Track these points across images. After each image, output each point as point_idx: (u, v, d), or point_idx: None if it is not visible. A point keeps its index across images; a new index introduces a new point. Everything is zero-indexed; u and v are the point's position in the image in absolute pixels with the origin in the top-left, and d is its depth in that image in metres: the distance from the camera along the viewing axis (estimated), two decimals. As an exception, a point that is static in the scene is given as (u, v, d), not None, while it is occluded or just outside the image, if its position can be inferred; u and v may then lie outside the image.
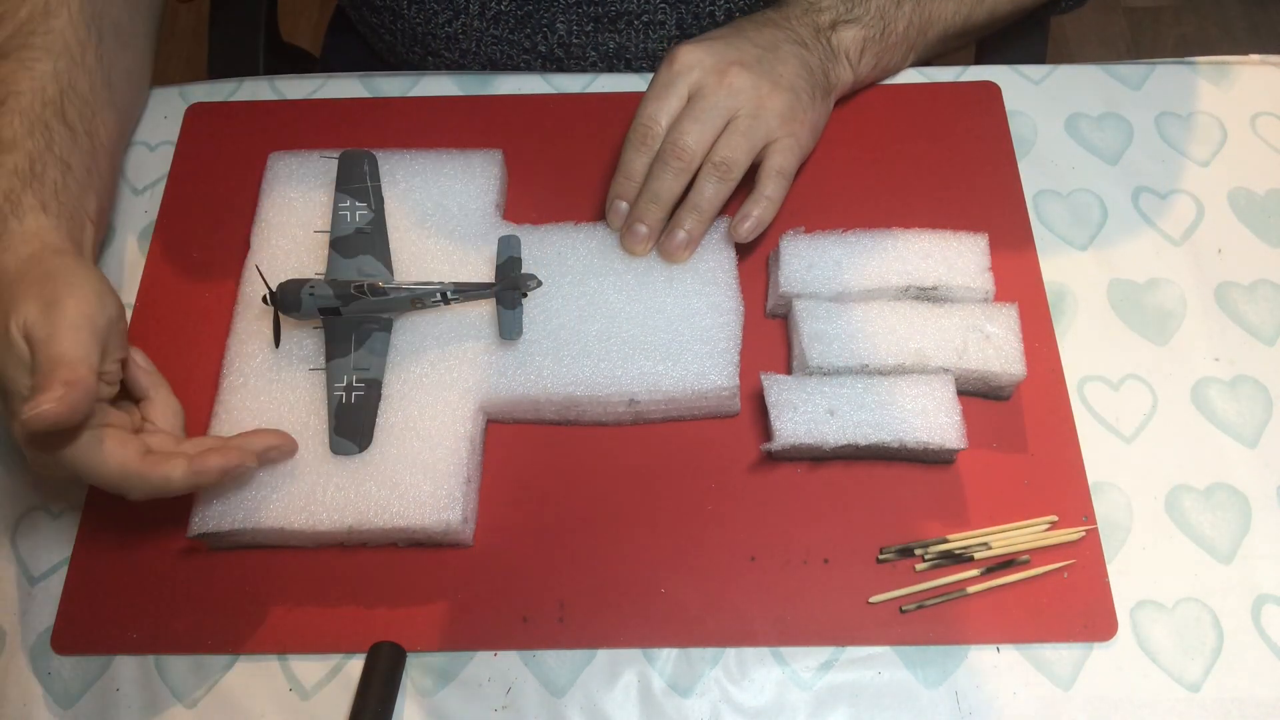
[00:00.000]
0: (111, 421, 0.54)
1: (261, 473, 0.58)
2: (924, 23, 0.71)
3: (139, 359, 0.58)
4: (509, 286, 0.62)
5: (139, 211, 0.72)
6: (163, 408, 0.58)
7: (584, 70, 0.80)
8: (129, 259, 0.70)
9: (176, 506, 0.60)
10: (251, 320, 0.64)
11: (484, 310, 0.63)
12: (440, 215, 0.67)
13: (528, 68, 0.81)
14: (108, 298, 0.54)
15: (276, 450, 0.58)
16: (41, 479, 0.61)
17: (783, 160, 0.64)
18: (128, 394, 0.58)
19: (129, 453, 0.52)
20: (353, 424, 0.59)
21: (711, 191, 0.63)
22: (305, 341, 0.63)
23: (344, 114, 0.75)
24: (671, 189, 0.63)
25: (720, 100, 0.62)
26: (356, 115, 0.75)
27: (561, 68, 0.80)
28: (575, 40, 0.78)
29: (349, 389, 0.60)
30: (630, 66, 0.80)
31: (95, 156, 0.63)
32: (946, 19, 0.71)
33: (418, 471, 0.58)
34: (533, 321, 0.63)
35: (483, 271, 0.65)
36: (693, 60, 0.63)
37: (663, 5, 0.77)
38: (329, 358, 0.61)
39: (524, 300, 0.63)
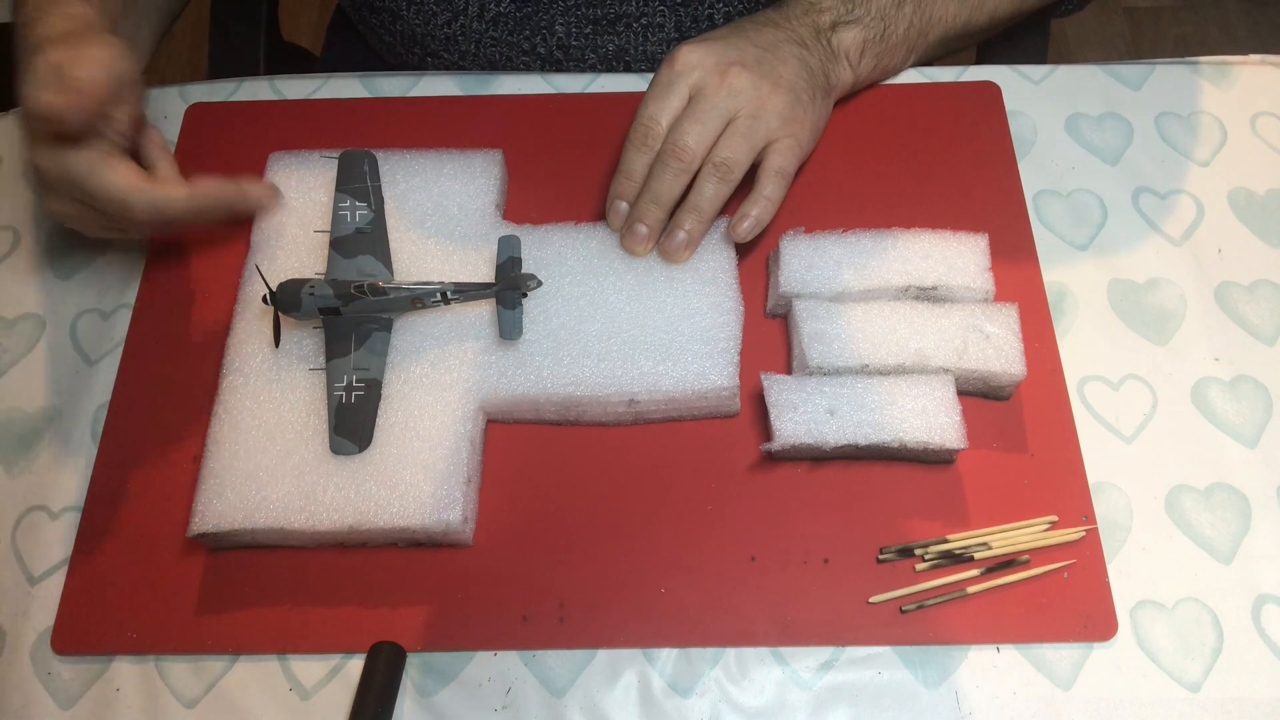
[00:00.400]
0: (119, 155, 0.59)
1: (261, 473, 0.58)
2: (924, 25, 0.71)
3: (156, 136, 0.64)
4: (509, 286, 0.62)
5: (139, 211, 0.72)
6: (166, 175, 0.62)
7: (583, 73, 0.80)
8: (129, 259, 0.70)
9: (177, 507, 0.60)
10: (251, 320, 0.64)
11: (484, 310, 0.63)
12: (440, 215, 0.67)
13: (527, 69, 0.81)
14: (129, 60, 0.59)
15: (268, 198, 0.65)
16: (54, 213, 0.62)
17: (782, 161, 0.64)
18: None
19: (132, 174, 0.59)
20: (353, 424, 0.59)
21: (712, 192, 0.63)
22: (305, 341, 0.63)
23: (344, 114, 0.75)
24: (672, 189, 0.63)
25: (721, 101, 0.62)
26: (356, 115, 0.75)
27: (560, 70, 0.80)
28: (574, 43, 0.78)
29: (349, 389, 0.60)
30: (629, 69, 0.80)
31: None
32: (947, 21, 0.71)
33: (418, 471, 0.58)
34: (533, 321, 0.63)
35: (483, 271, 0.65)
36: (693, 60, 0.63)
37: (661, 8, 0.77)
38: (329, 358, 0.61)
39: (524, 300, 0.63)
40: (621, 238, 0.65)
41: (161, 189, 0.60)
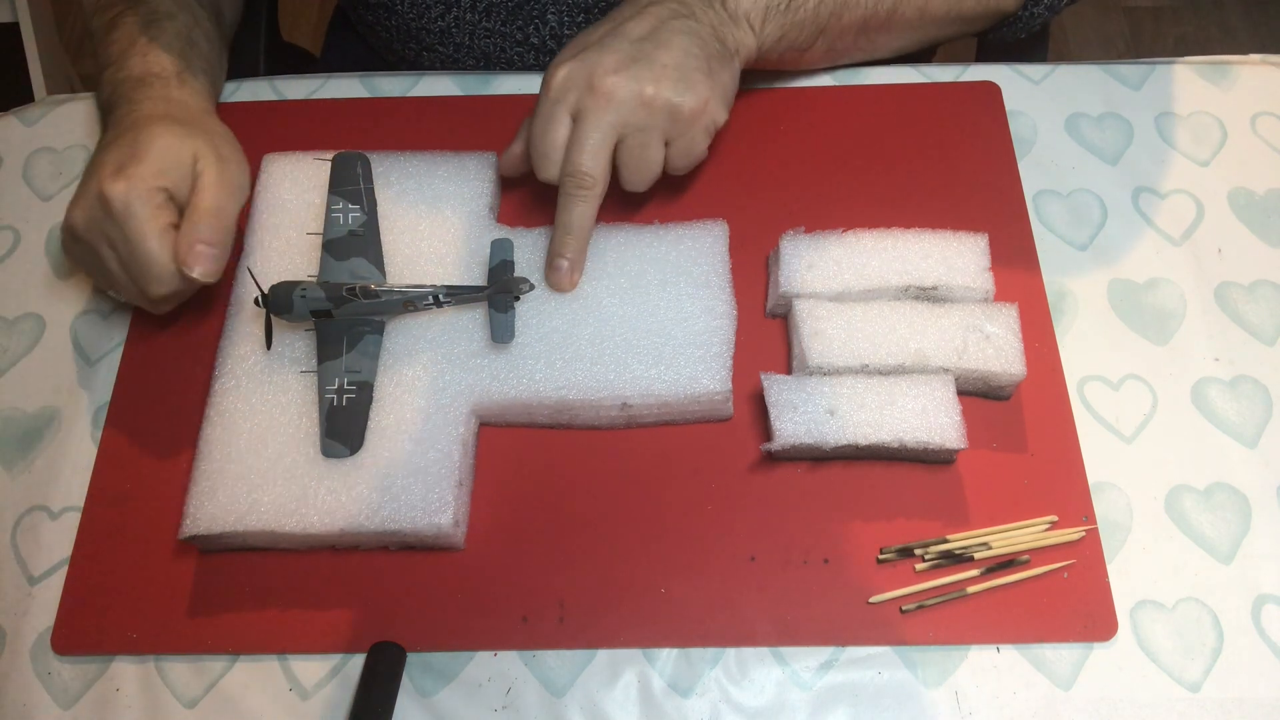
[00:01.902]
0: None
1: (253, 475, 0.58)
2: (838, 4, 0.67)
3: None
4: (501, 290, 0.62)
5: (139, 211, 0.72)
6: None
7: None
8: (129, 259, 0.70)
9: (176, 507, 0.60)
10: (244, 322, 0.64)
11: (477, 313, 0.63)
12: (434, 217, 0.67)
13: (521, 60, 0.81)
14: (245, 175, 0.64)
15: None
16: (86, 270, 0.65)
17: (683, 162, 0.64)
18: None
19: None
20: (343, 427, 0.59)
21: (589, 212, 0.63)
22: (297, 344, 0.63)
23: (343, 114, 0.75)
24: (584, 216, 0.62)
25: (605, 118, 0.60)
26: (356, 115, 0.75)
27: None
28: (567, 31, 0.78)
29: (340, 391, 0.60)
30: None
31: (221, 38, 0.74)
32: (866, 6, 0.68)
33: (409, 475, 0.58)
34: (526, 324, 0.63)
35: (476, 274, 0.65)
36: (565, 81, 0.61)
37: None
38: (320, 360, 0.61)
39: (516, 304, 0.63)
40: (546, 277, 0.64)
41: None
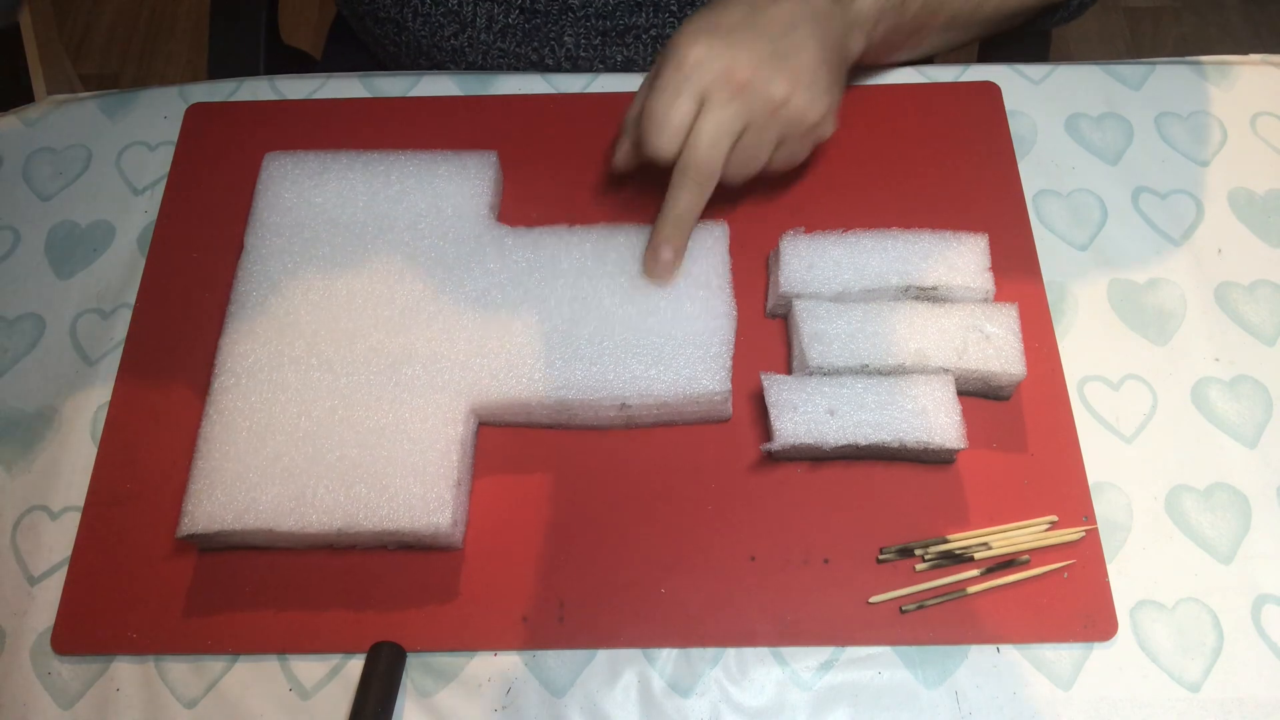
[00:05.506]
0: None
1: (251, 474, 0.58)
2: (936, 3, 0.68)
3: None
4: None
5: (139, 211, 0.72)
6: None
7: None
8: (129, 259, 0.70)
9: (176, 507, 0.60)
10: (244, 321, 0.63)
11: (476, 314, 0.63)
12: (433, 217, 0.67)
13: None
14: None
15: None
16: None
17: (785, 165, 0.64)
18: None
19: None
20: None
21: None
22: (297, 343, 0.63)
23: (343, 114, 0.75)
24: (693, 207, 0.61)
25: (735, 109, 0.59)
26: (356, 115, 0.75)
27: None
28: (583, 54, 0.78)
29: None
30: None
31: None
32: (956, 5, 0.69)
33: (407, 474, 0.58)
34: (526, 324, 0.63)
35: (476, 275, 0.65)
36: (699, 60, 0.59)
37: (671, 20, 0.76)
38: None
39: (516, 305, 0.62)
40: (645, 264, 0.63)
41: None
